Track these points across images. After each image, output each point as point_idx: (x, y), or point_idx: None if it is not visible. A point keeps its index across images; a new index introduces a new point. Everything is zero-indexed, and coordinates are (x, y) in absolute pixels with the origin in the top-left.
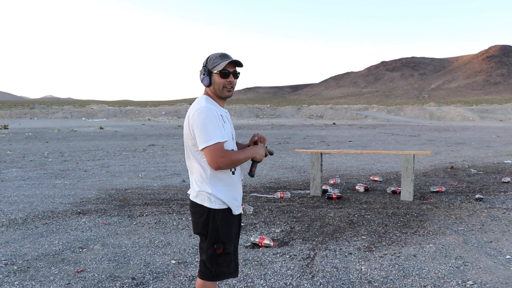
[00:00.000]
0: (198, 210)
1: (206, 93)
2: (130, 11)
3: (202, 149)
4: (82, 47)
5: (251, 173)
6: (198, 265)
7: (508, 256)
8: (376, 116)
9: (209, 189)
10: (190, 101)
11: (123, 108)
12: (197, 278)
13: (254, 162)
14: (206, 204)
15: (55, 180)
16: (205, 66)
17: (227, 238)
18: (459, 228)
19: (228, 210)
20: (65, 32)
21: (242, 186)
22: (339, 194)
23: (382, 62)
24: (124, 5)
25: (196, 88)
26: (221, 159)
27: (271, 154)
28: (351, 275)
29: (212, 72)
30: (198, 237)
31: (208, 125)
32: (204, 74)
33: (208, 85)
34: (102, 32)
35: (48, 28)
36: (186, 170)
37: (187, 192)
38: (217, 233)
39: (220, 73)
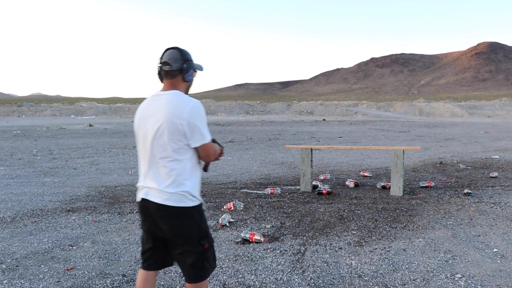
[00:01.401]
0: (171, 213)
1: (176, 88)
2: (119, 8)
3: (201, 146)
4: (71, 43)
5: (206, 169)
6: None
7: (495, 250)
8: (366, 112)
9: (187, 187)
10: None
11: (113, 105)
12: (186, 284)
13: None
14: (182, 204)
15: (44, 178)
16: (190, 60)
17: (208, 231)
18: (448, 223)
19: (200, 204)
20: (53, 28)
21: (233, 182)
22: (329, 190)
23: (372, 59)
24: (113, 2)
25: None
26: (212, 154)
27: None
28: (341, 270)
29: (195, 69)
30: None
31: (205, 121)
32: (194, 70)
33: (191, 80)
34: (91, 29)
35: (36, 24)
36: None
37: (141, 197)
38: (200, 229)
39: (197, 71)
